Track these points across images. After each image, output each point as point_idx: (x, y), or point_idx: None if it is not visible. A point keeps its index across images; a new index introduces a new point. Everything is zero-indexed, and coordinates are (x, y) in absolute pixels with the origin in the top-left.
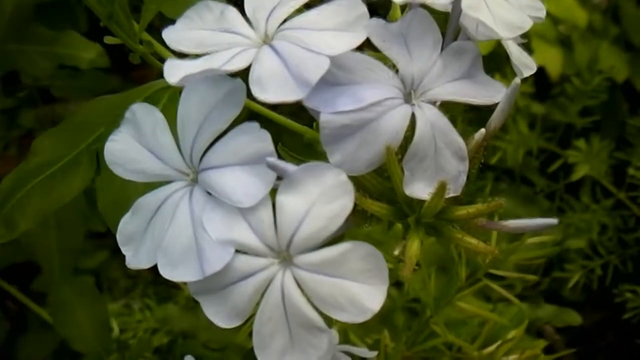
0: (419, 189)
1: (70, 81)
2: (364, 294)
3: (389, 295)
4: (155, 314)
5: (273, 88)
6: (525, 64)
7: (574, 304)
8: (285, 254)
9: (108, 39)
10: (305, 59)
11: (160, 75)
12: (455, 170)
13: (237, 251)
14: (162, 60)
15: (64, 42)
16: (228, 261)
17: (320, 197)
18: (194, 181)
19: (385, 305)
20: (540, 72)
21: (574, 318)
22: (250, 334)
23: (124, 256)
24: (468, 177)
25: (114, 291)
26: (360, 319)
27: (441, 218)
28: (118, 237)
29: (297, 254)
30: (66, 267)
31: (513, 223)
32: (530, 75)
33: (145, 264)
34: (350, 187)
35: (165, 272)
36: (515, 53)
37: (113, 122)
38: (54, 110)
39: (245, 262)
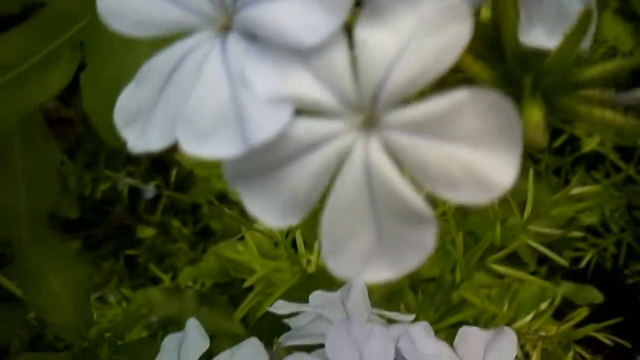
0: (540, 35)
1: None
2: (489, 162)
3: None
4: (136, 298)
5: None
6: None
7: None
8: (369, 112)
9: None
10: None
11: None
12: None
13: (297, 112)
14: None
15: None
16: (284, 124)
17: (421, 26)
18: (226, 28)
19: (392, 283)
20: None
21: (595, 295)
22: (243, 320)
23: (97, 250)
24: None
25: None
26: (484, 198)
27: (567, 80)
28: (117, 116)
29: (388, 109)
30: (37, 228)
31: None
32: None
33: (157, 144)
34: (465, 9)
35: (192, 147)
36: None
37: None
38: None
39: (309, 127)
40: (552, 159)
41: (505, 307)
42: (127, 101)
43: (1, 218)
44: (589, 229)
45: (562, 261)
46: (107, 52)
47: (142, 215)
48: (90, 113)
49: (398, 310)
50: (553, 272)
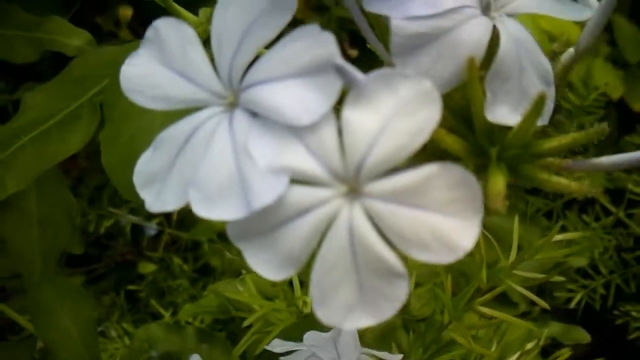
0: (504, 113)
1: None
2: (454, 227)
3: None
4: (137, 334)
5: None
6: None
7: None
8: (353, 183)
9: None
10: None
11: None
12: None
13: (291, 182)
14: None
15: (49, 28)
16: (281, 193)
17: (398, 109)
18: (233, 105)
19: (386, 323)
20: None
21: (583, 335)
22: (241, 357)
23: (98, 284)
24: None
25: None
26: (449, 258)
27: (527, 152)
28: (136, 179)
29: (369, 181)
30: (49, 268)
31: (607, 159)
32: None
33: (172, 205)
34: (436, 95)
35: (201, 209)
36: None
37: (118, 73)
38: None
39: (302, 195)
40: (543, 202)
41: (494, 347)
42: (145, 165)
43: (15, 258)
44: (580, 271)
45: (544, 304)
46: (124, 113)
47: (144, 251)
48: (109, 170)
49: (389, 349)
50: (546, 311)
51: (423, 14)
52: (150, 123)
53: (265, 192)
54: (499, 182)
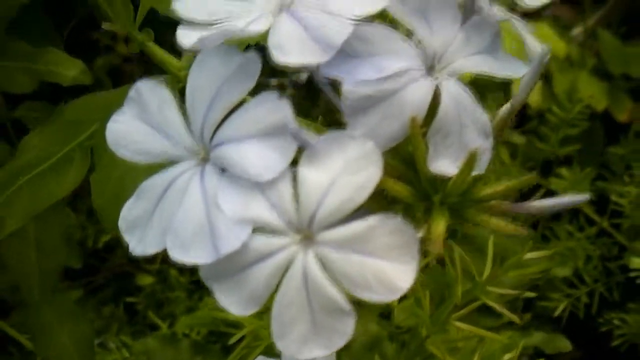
0: (444, 165)
1: (44, 114)
2: (394, 271)
3: (376, 324)
4: (135, 347)
5: (295, 51)
6: (536, 47)
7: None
8: (306, 232)
9: (106, 25)
10: (327, 23)
11: None
12: (479, 147)
13: (254, 230)
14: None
15: (45, 59)
16: (245, 241)
17: (345, 168)
18: (205, 160)
19: (372, 334)
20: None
21: (565, 344)
22: None
23: (98, 296)
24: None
25: None
26: (390, 298)
27: (467, 198)
28: (120, 224)
29: (320, 230)
30: (47, 288)
31: (537, 203)
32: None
33: (152, 249)
34: (377, 156)
35: (176, 255)
36: (528, 36)
37: (107, 118)
38: None
39: (263, 242)
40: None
41: (475, 358)
42: (129, 212)
43: (15, 278)
44: (566, 280)
45: (515, 318)
46: (111, 159)
47: (142, 264)
48: (98, 209)
49: None
50: (537, 319)
51: (371, 78)
52: (134, 169)
53: (232, 240)
54: (439, 226)
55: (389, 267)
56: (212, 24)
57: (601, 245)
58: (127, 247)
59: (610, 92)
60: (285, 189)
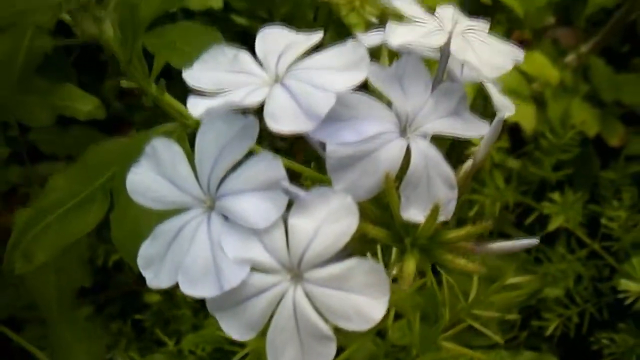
0: (414, 214)
1: (57, 137)
2: (368, 305)
3: (372, 342)
4: None
5: (286, 120)
6: (505, 105)
7: None
8: (296, 271)
9: (124, 82)
10: (313, 95)
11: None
12: (445, 197)
13: (252, 269)
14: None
15: (62, 94)
16: (244, 278)
17: (328, 218)
18: (211, 208)
19: (369, 352)
20: (515, 128)
21: None
22: None
23: (107, 312)
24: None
25: None
26: (365, 327)
27: (434, 240)
28: (139, 261)
29: (307, 270)
30: (64, 306)
31: (497, 245)
32: (506, 132)
33: (166, 284)
34: (354, 208)
35: (186, 289)
36: (496, 95)
37: (125, 161)
38: (40, 170)
39: (259, 279)
40: (523, 235)
41: None
42: (146, 251)
43: (31, 298)
44: (558, 300)
45: (498, 339)
46: (129, 200)
47: None
48: (118, 244)
49: None
50: (533, 337)
51: (351, 141)
52: (149, 210)
53: (233, 278)
54: (410, 265)
55: (364, 301)
56: (217, 93)
57: (592, 267)
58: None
59: (603, 118)
60: (278, 235)
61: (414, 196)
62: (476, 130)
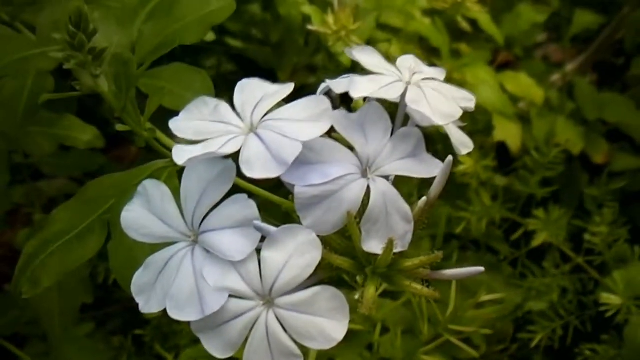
0: (374, 246)
1: (58, 159)
2: (331, 327)
3: (361, 356)
4: None
5: (258, 167)
6: (463, 143)
7: None
8: (268, 297)
9: (119, 127)
10: (283, 144)
11: (137, 155)
12: (402, 230)
13: (230, 296)
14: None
15: (64, 125)
16: (223, 304)
17: (295, 251)
18: (195, 242)
19: None
20: (502, 146)
21: None
22: None
23: (108, 328)
24: (414, 235)
25: None
26: (327, 346)
27: (392, 269)
28: (132, 288)
29: (278, 296)
30: (66, 323)
31: (448, 272)
32: (493, 150)
33: (156, 309)
34: (318, 243)
35: (173, 314)
36: (455, 134)
37: (121, 195)
38: (41, 189)
39: (236, 305)
40: (509, 250)
41: None
42: (138, 279)
43: (34, 315)
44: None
45: (474, 353)
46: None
47: None
48: (115, 271)
49: None
50: (525, 348)
51: (317, 183)
52: (142, 242)
53: (214, 303)
54: (370, 292)
55: (327, 323)
56: (199, 141)
57: (576, 280)
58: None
59: (587, 136)
60: (252, 266)
61: (374, 230)
62: (430, 170)
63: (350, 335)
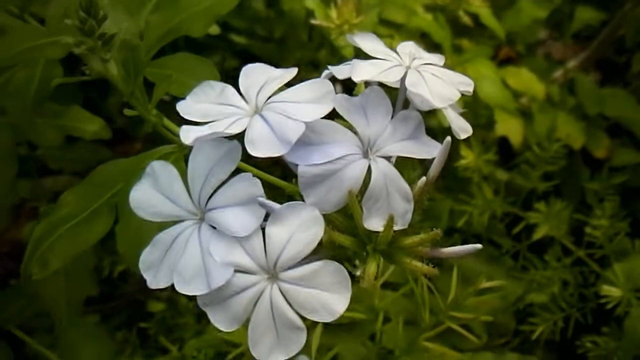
0: (375, 224)
1: (64, 153)
2: (333, 300)
3: (363, 345)
4: None
5: (263, 146)
6: (462, 128)
7: None
8: (272, 272)
9: (127, 112)
10: (287, 125)
11: (141, 149)
12: (403, 209)
13: (235, 271)
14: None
15: (70, 116)
16: (229, 278)
17: (299, 227)
18: (201, 219)
19: (361, 355)
20: (503, 141)
21: None
22: None
23: (113, 321)
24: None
25: None
26: (330, 319)
27: (393, 246)
28: (140, 265)
29: (282, 271)
30: (73, 313)
31: (447, 250)
32: (494, 145)
33: (164, 284)
34: (321, 219)
35: (181, 288)
36: (454, 118)
37: (128, 179)
38: (47, 184)
39: (241, 279)
40: (511, 243)
41: None
42: (146, 256)
43: (43, 306)
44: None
45: (474, 339)
46: (131, 212)
47: (153, 292)
48: (122, 252)
49: None
50: (529, 341)
51: (320, 162)
52: (149, 222)
53: (219, 277)
54: (371, 268)
55: (329, 297)
56: (206, 122)
57: (577, 273)
58: (139, 276)
59: (588, 131)
60: (257, 242)
61: (375, 208)
62: (429, 151)
63: (352, 325)
